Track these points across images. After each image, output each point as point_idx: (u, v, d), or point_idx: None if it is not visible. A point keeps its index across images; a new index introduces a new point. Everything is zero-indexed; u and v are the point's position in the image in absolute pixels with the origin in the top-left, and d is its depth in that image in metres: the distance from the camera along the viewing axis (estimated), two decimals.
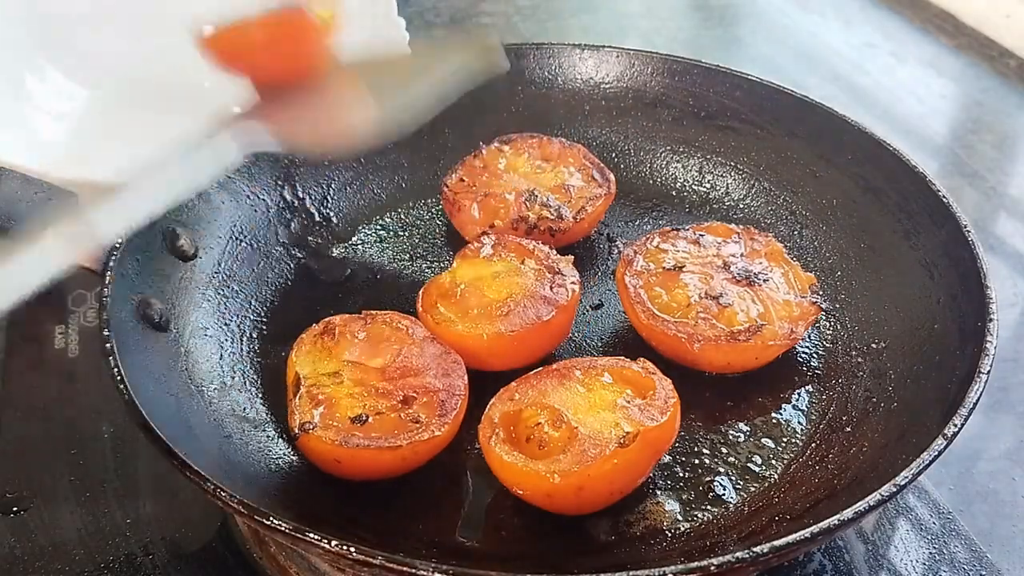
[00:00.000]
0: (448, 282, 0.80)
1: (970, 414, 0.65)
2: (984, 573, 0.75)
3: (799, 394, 0.79)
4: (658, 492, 0.71)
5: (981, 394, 0.66)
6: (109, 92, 1.11)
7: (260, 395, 0.78)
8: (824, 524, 0.59)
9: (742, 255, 0.83)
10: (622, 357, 0.73)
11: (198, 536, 0.76)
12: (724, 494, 0.71)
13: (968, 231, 0.78)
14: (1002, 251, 1.09)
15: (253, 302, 0.85)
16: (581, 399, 0.70)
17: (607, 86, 1.01)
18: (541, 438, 0.69)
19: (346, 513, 0.68)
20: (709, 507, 0.71)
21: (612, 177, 0.92)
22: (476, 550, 0.68)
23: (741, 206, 0.96)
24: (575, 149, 0.95)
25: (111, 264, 0.74)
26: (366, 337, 0.75)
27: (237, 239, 0.87)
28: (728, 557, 0.57)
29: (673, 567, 0.56)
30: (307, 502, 0.69)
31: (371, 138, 0.73)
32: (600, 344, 0.83)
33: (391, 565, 0.56)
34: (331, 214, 0.94)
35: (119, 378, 0.66)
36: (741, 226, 0.87)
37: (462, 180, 0.92)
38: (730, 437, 0.75)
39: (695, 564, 0.57)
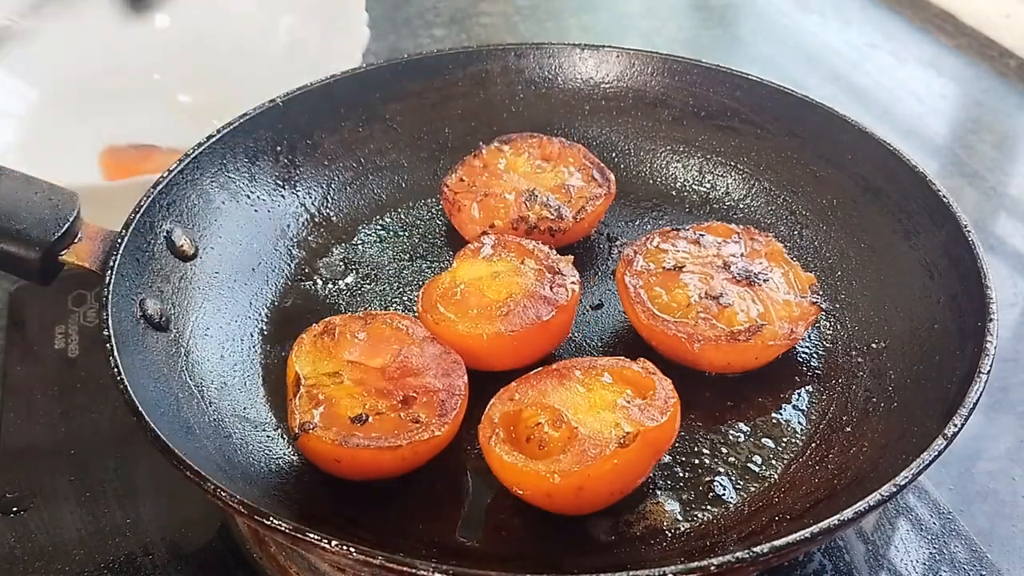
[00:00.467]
0: (448, 282, 0.80)
1: (970, 414, 0.65)
2: (984, 573, 0.75)
3: (799, 394, 0.79)
4: (658, 492, 0.71)
5: (981, 394, 0.66)
6: (61, 91, 1.12)
7: (260, 395, 0.78)
8: (824, 524, 0.59)
9: (742, 255, 0.83)
10: (622, 357, 0.73)
11: (198, 536, 0.76)
12: (724, 494, 0.71)
13: (968, 231, 0.78)
14: (1002, 251, 1.09)
15: (253, 302, 0.85)
16: (581, 399, 0.70)
17: (607, 86, 1.01)
18: (541, 438, 0.69)
19: (346, 513, 0.68)
20: (709, 507, 0.71)
21: (612, 177, 0.92)
22: (476, 550, 0.68)
23: (741, 206, 0.96)
24: (575, 149, 0.95)
25: (111, 264, 0.74)
26: (366, 337, 0.75)
27: (237, 239, 0.87)
28: (728, 557, 0.57)
29: (673, 567, 0.56)
30: (307, 502, 0.69)
31: None
32: (600, 344, 0.83)
33: (391, 565, 0.56)
34: (331, 214, 0.94)
35: (119, 378, 0.66)
36: (741, 226, 0.87)
37: (462, 180, 0.92)
38: (730, 437, 0.75)
39: (695, 564, 0.57)
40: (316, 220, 0.93)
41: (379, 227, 0.95)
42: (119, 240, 0.75)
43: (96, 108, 1.12)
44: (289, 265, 0.89)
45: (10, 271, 0.77)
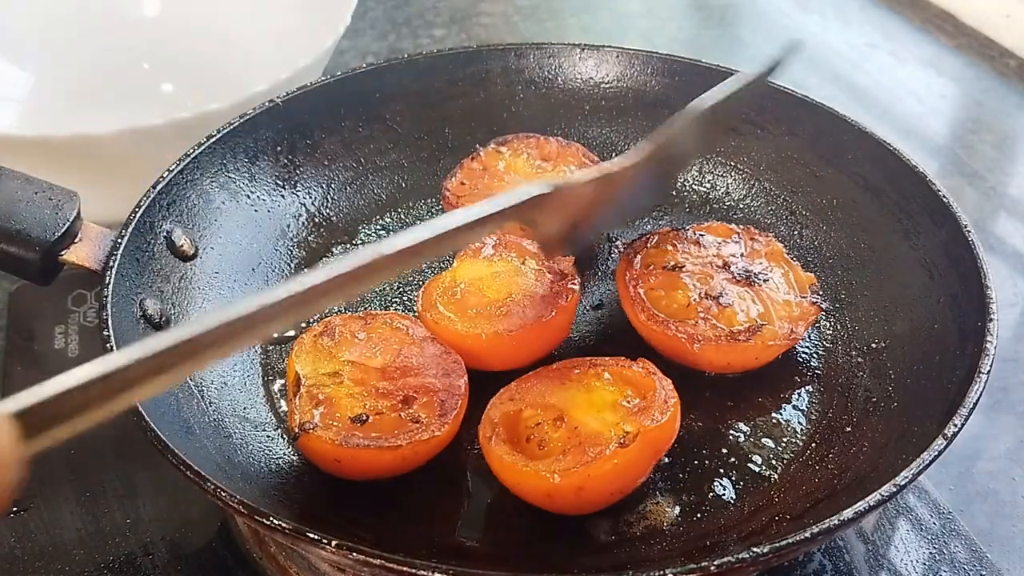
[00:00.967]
0: (448, 281, 0.80)
1: (970, 414, 0.65)
2: (984, 573, 0.75)
3: (799, 394, 0.79)
4: (658, 492, 0.71)
5: (981, 394, 0.66)
6: (55, 79, 1.14)
7: (260, 395, 0.78)
8: (824, 524, 0.59)
9: (742, 255, 0.83)
10: (622, 357, 0.73)
11: (198, 536, 0.76)
12: (724, 494, 0.71)
13: (968, 231, 0.78)
14: (1002, 251, 1.09)
15: None
16: (581, 399, 0.70)
17: (607, 86, 1.01)
18: (541, 438, 0.69)
19: (346, 513, 0.68)
20: (709, 507, 0.71)
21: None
22: (476, 550, 0.68)
23: (741, 206, 0.96)
24: (573, 148, 0.95)
25: (111, 264, 0.74)
26: (366, 337, 0.75)
27: (237, 239, 0.87)
28: (728, 557, 0.57)
29: (673, 567, 0.56)
30: (307, 502, 0.69)
31: None
32: (600, 344, 0.83)
33: (391, 565, 0.56)
34: (331, 214, 0.94)
35: None
36: (741, 226, 0.87)
37: (463, 183, 0.91)
38: (730, 437, 0.75)
39: (695, 564, 0.57)
40: (316, 220, 0.93)
41: (379, 227, 0.95)
42: (119, 240, 0.75)
43: (87, 96, 1.13)
44: (289, 265, 0.89)
45: (10, 271, 0.77)
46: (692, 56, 1.00)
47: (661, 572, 0.56)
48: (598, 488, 0.67)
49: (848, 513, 0.59)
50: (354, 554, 0.56)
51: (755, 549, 0.57)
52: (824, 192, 0.91)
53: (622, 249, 0.91)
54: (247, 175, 0.89)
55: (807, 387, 0.80)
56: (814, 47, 1.46)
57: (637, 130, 1.00)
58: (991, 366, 0.68)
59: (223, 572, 0.73)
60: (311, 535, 0.57)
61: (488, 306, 0.78)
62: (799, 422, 0.77)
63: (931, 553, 0.76)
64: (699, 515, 0.70)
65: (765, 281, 0.81)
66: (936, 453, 0.63)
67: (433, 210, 0.96)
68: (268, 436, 0.74)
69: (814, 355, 0.82)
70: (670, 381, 0.71)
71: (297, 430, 0.69)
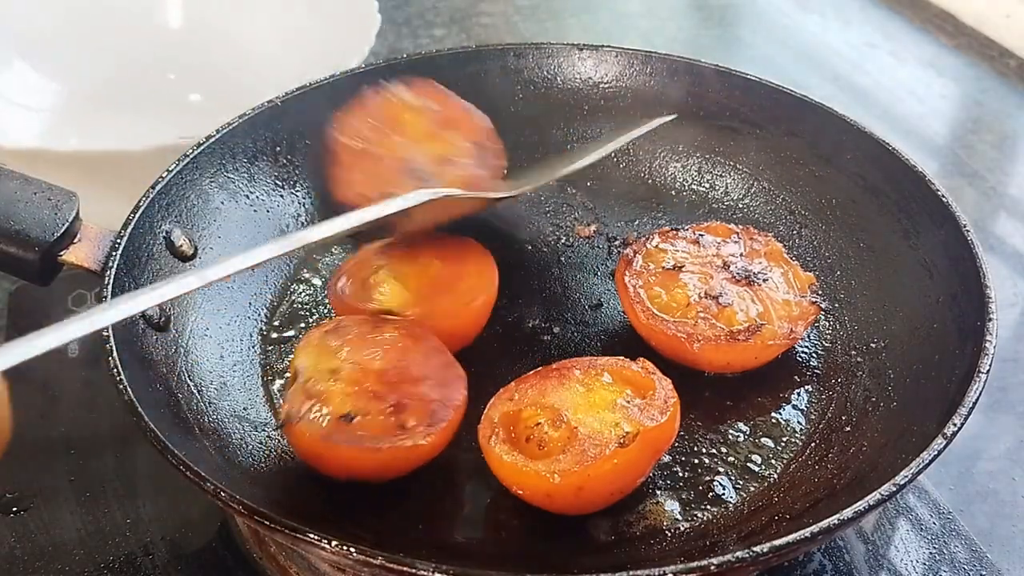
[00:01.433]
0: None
1: (970, 413, 0.65)
2: (984, 573, 0.75)
3: (798, 394, 0.79)
4: (658, 492, 0.71)
5: (980, 393, 0.66)
6: (81, 89, 1.14)
7: (260, 395, 0.78)
8: (824, 524, 0.59)
9: (741, 255, 0.83)
10: (622, 357, 0.73)
11: (198, 536, 0.76)
12: (724, 494, 0.71)
13: (967, 230, 0.78)
14: (1002, 251, 1.09)
15: (253, 302, 0.85)
16: (581, 399, 0.70)
17: (606, 86, 1.01)
18: (541, 438, 0.69)
19: (346, 513, 0.68)
20: (709, 507, 0.71)
21: (499, 161, 0.85)
22: (476, 550, 0.68)
23: (740, 206, 0.96)
24: (477, 122, 0.87)
25: (110, 264, 0.74)
26: (373, 339, 0.75)
27: (236, 240, 0.86)
28: (728, 557, 0.57)
29: (673, 567, 0.56)
30: (307, 502, 0.69)
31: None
32: (600, 344, 0.83)
33: (391, 565, 0.56)
34: (330, 214, 0.94)
35: (118, 378, 0.66)
36: (740, 226, 0.87)
37: (356, 129, 0.83)
38: (730, 437, 0.75)
39: (695, 564, 0.57)
40: (315, 220, 0.93)
41: (378, 227, 0.94)
42: (118, 240, 0.75)
43: (114, 106, 1.13)
44: (288, 265, 0.89)
45: (9, 271, 0.77)
46: (692, 56, 1.00)
47: (661, 572, 0.56)
48: (598, 488, 0.67)
49: (848, 513, 0.59)
50: (354, 554, 0.56)
51: (755, 549, 0.57)
52: (823, 192, 0.91)
53: (621, 249, 0.91)
54: (246, 175, 0.89)
55: (806, 387, 0.80)
56: (814, 47, 1.47)
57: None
58: (990, 365, 0.68)
59: (223, 572, 0.73)
60: (311, 535, 0.57)
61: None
62: (798, 422, 0.77)
63: (931, 553, 0.76)
64: (699, 515, 0.70)
65: (764, 281, 0.81)
66: (936, 453, 0.63)
67: None
68: (268, 436, 0.74)
69: (813, 355, 0.82)
70: (670, 381, 0.71)
71: (282, 421, 0.69)
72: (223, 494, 0.59)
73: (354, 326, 0.75)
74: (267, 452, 0.73)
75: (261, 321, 0.84)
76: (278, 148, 0.92)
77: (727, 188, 0.97)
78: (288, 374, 0.76)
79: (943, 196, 0.82)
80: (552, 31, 1.47)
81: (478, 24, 1.47)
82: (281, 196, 0.92)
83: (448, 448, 0.71)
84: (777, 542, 0.58)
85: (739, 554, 0.57)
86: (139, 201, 0.79)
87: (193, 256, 0.82)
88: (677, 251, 0.84)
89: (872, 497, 0.60)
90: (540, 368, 0.74)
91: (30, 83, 1.15)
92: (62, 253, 0.75)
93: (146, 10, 1.23)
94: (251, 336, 0.82)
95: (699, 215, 0.95)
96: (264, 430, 0.75)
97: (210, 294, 0.82)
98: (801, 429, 0.76)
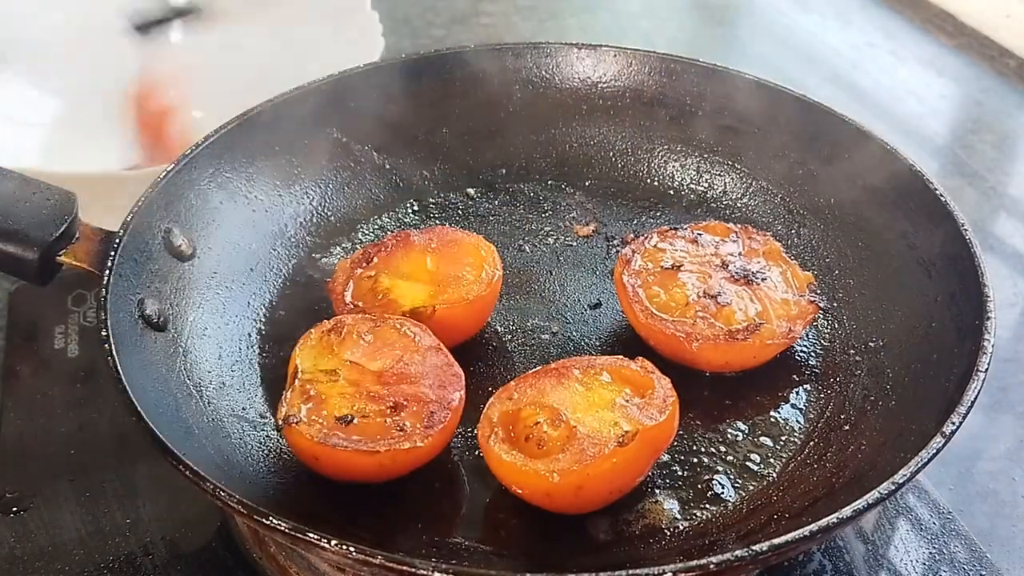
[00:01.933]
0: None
1: (968, 412, 0.65)
2: (984, 573, 0.75)
3: (797, 393, 0.79)
4: (657, 491, 0.71)
5: (979, 392, 0.66)
6: (80, 105, 1.13)
7: (259, 395, 0.78)
8: (823, 522, 0.59)
9: (740, 254, 0.83)
10: (621, 356, 0.73)
11: (198, 536, 0.76)
12: (723, 493, 0.71)
13: (966, 230, 0.78)
14: (1002, 251, 1.09)
15: (251, 302, 0.85)
16: (580, 398, 0.70)
17: (605, 85, 1.01)
18: (540, 437, 0.69)
19: (346, 513, 0.69)
20: (708, 506, 0.71)
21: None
22: (476, 550, 0.68)
23: (739, 205, 0.96)
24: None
25: (109, 264, 0.74)
26: (372, 339, 0.75)
27: (235, 239, 0.87)
28: (727, 556, 0.57)
29: (672, 566, 0.56)
30: (307, 502, 0.69)
31: None
32: (599, 343, 0.83)
33: (391, 565, 0.56)
34: (329, 214, 0.94)
35: (119, 378, 0.66)
36: (739, 225, 0.87)
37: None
38: (729, 436, 0.76)
39: (694, 563, 0.57)
40: (314, 220, 0.93)
41: (376, 227, 0.95)
42: (117, 240, 0.75)
43: (114, 122, 1.12)
44: (287, 265, 0.89)
45: (8, 271, 0.77)
46: (691, 56, 1.00)
47: (660, 570, 0.56)
48: (597, 487, 0.67)
49: (847, 511, 0.59)
50: (354, 554, 0.56)
51: (754, 547, 0.57)
52: (822, 191, 0.91)
53: (620, 248, 0.91)
54: (245, 175, 0.89)
55: (805, 386, 0.80)
56: (814, 47, 1.47)
57: (635, 129, 1.00)
58: (989, 364, 0.68)
59: (223, 572, 0.73)
60: (311, 535, 0.57)
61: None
62: (797, 421, 0.77)
63: (931, 553, 0.76)
64: (698, 514, 0.70)
65: (763, 280, 0.81)
66: (934, 451, 0.63)
67: (430, 210, 0.96)
68: (267, 436, 0.74)
69: (812, 354, 0.82)
70: (669, 380, 0.71)
71: (281, 422, 0.69)
72: (223, 494, 0.59)
73: (353, 326, 0.75)
74: (266, 452, 0.73)
75: (260, 321, 0.84)
76: (276, 148, 0.92)
77: (726, 187, 0.97)
78: (287, 374, 0.76)
79: (941, 195, 0.82)
80: (552, 31, 1.47)
81: (478, 24, 1.47)
82: (280, 196, 0.92)
83: (447, 448, 0.71)
84: (776, 541, 0.58)
85: (738, 553, 0.57)
86: (138, 201, 0.79)
87: (192, 256, 0.82)
88: (676, 250, 0.84)
89: (871, 496, 0.60)
90: (539, 367, 0.74)
91: (28, 99, 1.14)
92: (61, 253, 0.75)
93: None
94: (250, 336, 0.83)
95: (698, 214, 0.95)
96: (263, 430, 0.75)
97: (209, 294, 0.82)
98: (800, 428, 0.76)
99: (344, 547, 0.56)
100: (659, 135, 0.99)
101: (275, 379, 0.79)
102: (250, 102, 1.09)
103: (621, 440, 0.66)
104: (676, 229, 0.86)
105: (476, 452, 0.72)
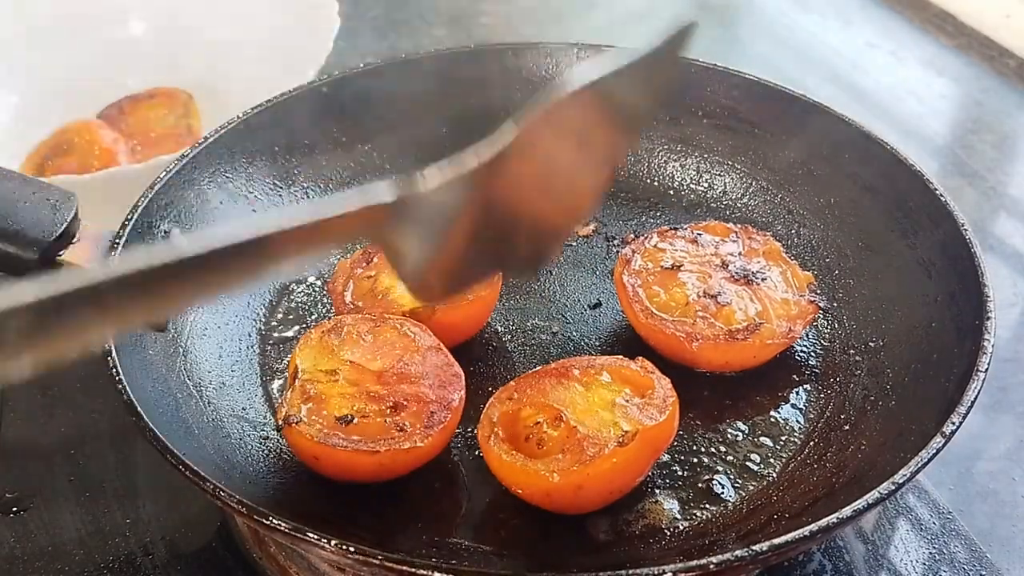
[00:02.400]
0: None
1: (968, 412, 0.65)
2: (984, 573, 0.75)
3: (797, 393, 0.79)
4: (657, 491, 0.71)
5: (979, 392, 0.66)
6: (38, 97, 1.12)
7: (259, 395, 0.78)
8: (823, 522, 0.59)
9: (740, 254, 0.83)
10: (621, 356, 0.73)
11: (198, 536, 0.76)
12: (723, 493, 0.71)
13: (965, 229, 0.78)
14: (1002, 251, 1.09)
15: (251, 302, 0.85)
16: (580, 398, 0.70)
17: None
18: (540, 437, 0.69)
19: (346, 513, 0.69)
20: (708, 506, 0.71)
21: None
22: (476, 550, 0.68)
23: (739, 205, 0.96)
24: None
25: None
26: (372, 339, 0.75)
27: None
28: (727, 556, 0.57)
29: (672, 566, 0.56)
30: (307, 502, 0.69)
31: None
32: (598, 343, 0.83)
33: (391, 565, 0.56)
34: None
35: (118, 378, 0.66)
36: (739, 225, 0.87)
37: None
38: (728, 436, 0.76)
39: (694, 563, 0.57)
40: None
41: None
42: (117, 241, 0.76)
43: (72, 113, 1.11)
44: None
45: (8, 272, 0.76)
46: (691, 56, 1.00)
47: (660, 570, 0.56)
48: (597, 487, 0.67)
49: (846, 511, 0.59)
50: (354, 554, 0.56)
51: (754, 547, 0.57)
52: (822, 191, 0.91)
53: (620, 248, 0.91)
54: (244, 175, 0.89)
55: (805, 386, 0.80)
56: (814, 47, 1.46)
57: None
58: (989, 364, 0.68)
59: (223, 572, 0.73)
60: (311, 535, 0.57)
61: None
62: (797, 421, 0.77)
63: (931, 553, 0.76)
64: (698, 514, 0.70)
65: (763, 280, 0.81)
66: (934, 451, 0.63)
67: None
68: (267, 436, 0.74)
69: (812, 354, 0.82)
70: (668, 380, 0.71)
71: (281, 422, 0.69)
72: (223, 494, 0.59)
73: (354, 325, 0.75)
74: (266, 452, 0.73)
75: (260, 321, 0.84)
76: (276, 148, 0.92)
77: (725, 187, 0.97)
78: (287, 374, 0.76)
79: (941, 195, 0.82)
80: (552, 31, 1.47)
81: (478, 24, 1.47)
82: (280, 196, 0.92)
83: (447, 448, 0.71)
84: (776, 541, 0.58)
85: (738, 553, 0.57)
86: (138, 201, 0.79)
87: None
88: (676, 250, 0.84)
89: (871, 496, 0.60)
90: (539, 367, 0.74)
91: None
92: (61, 253, 0.75)
93: (105, 18, 1.21)
94: (250, 336, 0.83)
95: (697, 214, 0.95)
96: (263, 430, 0.75)
97: None
98: (800, 428, 0.76)
99: (344, 547, 0.56)
100: (659, 135, 0.99)
101: (275, 379, 0.79)
102: (208, 94, 1.09)
103: (621, 440, 0.66)
104: (676, 229, 0.86)
105: (476, 452, 0.72)
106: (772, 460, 0.74)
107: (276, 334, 0.83)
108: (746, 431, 0.76)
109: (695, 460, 0.74)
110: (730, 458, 0.74)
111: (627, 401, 0.69)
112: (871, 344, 0.80)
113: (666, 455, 0.73)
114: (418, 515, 0.70)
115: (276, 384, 0.79)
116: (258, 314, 0.85)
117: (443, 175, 0.53)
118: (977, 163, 1.22)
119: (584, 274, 0.90)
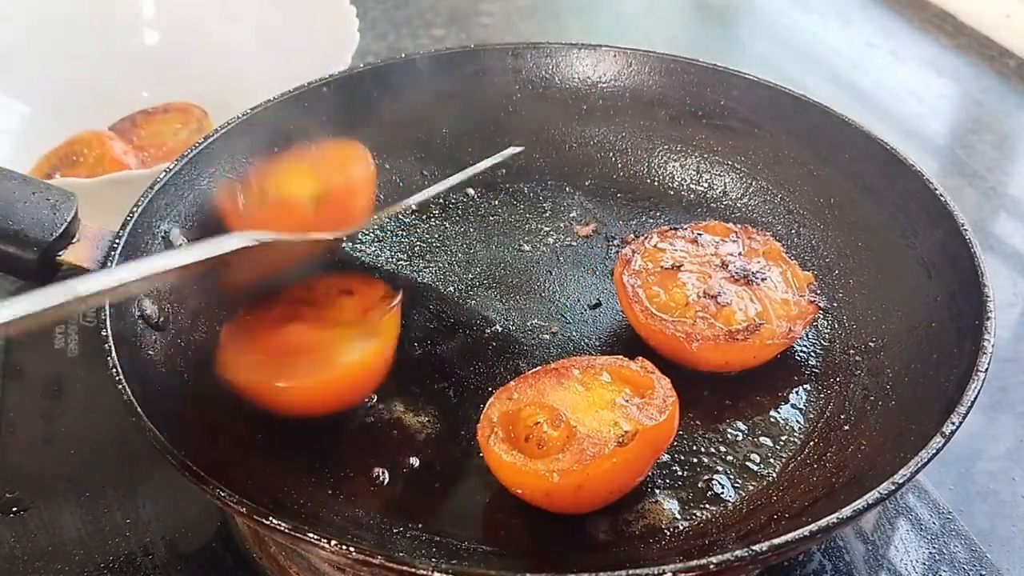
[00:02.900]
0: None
1: (968, 412, 0.65)
2: (984, 573, 0.75)
3: (797, 393, 0.79)
4: (657, 491, 0.71)
5: (979, 392, 0.66)
6: (50, 107, 1.12)
7: None
8: (822, 522, 0.59)
9: (740, 254, 0.83)
10: (620, 356, 0.73)
11: (198, 536, 0.76)
12: (723, 493, 0.71)
13: (965, 229, 0.78)
14: (1002, 251, 1.09)
15: None
16: (580, 398, 0.70)
17: (604, 85, 1.01)
18: (540, 437, 0.69)
19: (346, 513, 0.69)
20: (708, 506, 0.71)
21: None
22: (476, 550, 0.68)
23: (739, 205, 0.96)
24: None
25: (110, 264, 0.74)
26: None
27: None
28: (727, 556, 0.57)
29: (672, 566, 0.56)
30: (307, 502, 0.69)
31: None
32: (598, 343, 0.83)
33: (391, 565, 0.56)
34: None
35: (118, 378, 0.66)
36: (739, 225, 0.87)
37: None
38: (728, 436, 0.76)
39: (694, 563, 0.57)
40: None
41: (375, 226, 0.95)
42: (117, 241, 0.76)
43: (84, 123, 1.11)
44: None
45: (7, 271, 0.77)
46: (691, 56, 1.00)
47: (660, 570, 0.56)
48: (597, 487, 0.67)
49: (846, 511, 0.59)
50: (354, 554, 0.56)
51: (754, 547, 0.57)
52: (822, 191, 0.92)
53: (620, 248, 0.91)
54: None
55: (805, 386, 0.80)
56: (813, 47, 1.47)
57: (634, 129, 1.00)
58: (989, 364, 0.68)
59: (223, 572, 0.73)
60: (311, 535, 0.57)
61: None
62: (797, 421, 0.77)
63: (931, 553, 0.76)
64: (698, 514, 0.70)
65: (763, 280, 0.81)
66: (934, 451, 0.63)
67: (430, 210, 0.96)
68: (267, 435, 0.74)
69: (812, 354, 0.82)
70: (668, 380, 0.71)
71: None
72: (223, 494, 0.59)
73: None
74: (267, 452, 0.73)
75: None
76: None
77: (725, 187, 0.97)
78: None
79: (941, 195, 0.82)
80: (552, 31, 1.47)
81: (478, 24, 1.47)
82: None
83: (447, 448, 0.71)
84: (776, 541, 0.58)
85: (738, 553, 0.57)
86: (138, 201, 0.79)
87: None
88: (676, 250, 0.84)
89: (871, 496, 0.60)
90: (539, 367, 0.74)
91: (2, 106, 1.13)
92: (61, 253, 0.75)
93: (119, 27, 1.21)
94: None
95: (697, 214, 0.95)
96: (263, 429, 0.75)
97: (208, 295, 0.82)
98: (800, 428, 0.76)
99: (344, 547, 0.56)
100: (659, 135, 0.99)
101: None
102: (223, 105, 1.09)
103: (621, 440, 0.66)
104: (676, 229, 0.86)
105: (476, 452, 0.72)
106: (772, 460, 0.74)
107: None
108: (746, 431, 0.76)
109: (695, 460, 0.74)
110: (730, 458, 0.74)
111: (627, 401, 0.69)
112: (871, 344, 0.81)
113: (666, 455, 0.73)
114: (418, 515, 0.70)
115: None
116: None
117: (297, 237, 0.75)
118: (977, 163, 1.22)
119: (584, 274, 0.90)
